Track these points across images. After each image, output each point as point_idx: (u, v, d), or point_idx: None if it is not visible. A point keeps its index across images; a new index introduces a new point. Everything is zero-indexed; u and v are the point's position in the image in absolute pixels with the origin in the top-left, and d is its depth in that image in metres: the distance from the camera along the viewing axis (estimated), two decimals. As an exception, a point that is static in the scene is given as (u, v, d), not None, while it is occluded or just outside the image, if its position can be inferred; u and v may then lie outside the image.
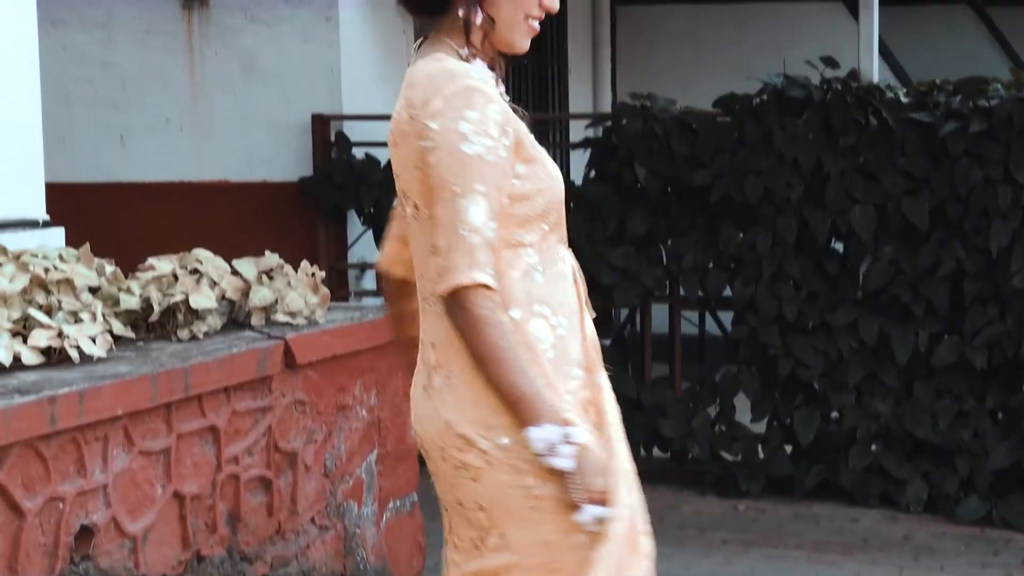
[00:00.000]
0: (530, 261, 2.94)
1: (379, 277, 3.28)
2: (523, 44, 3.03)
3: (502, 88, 3.03)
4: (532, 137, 2.99)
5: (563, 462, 2.82)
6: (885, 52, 9.50)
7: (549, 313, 2.93)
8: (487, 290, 2.82)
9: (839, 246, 7.12)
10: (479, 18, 2.96)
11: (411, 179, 2.92)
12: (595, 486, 2.84)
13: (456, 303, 2.83)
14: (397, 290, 3.21)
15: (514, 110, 2.98)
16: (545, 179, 2.95)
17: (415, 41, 3.05)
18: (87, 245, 4.60)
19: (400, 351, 3.28)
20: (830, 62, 7.12)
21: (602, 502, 2.85)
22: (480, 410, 2.87)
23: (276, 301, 4.70)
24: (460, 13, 2.95)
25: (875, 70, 7.59)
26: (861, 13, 7.67)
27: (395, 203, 3.15)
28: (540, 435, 2.82)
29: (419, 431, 2.99)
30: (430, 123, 2.86)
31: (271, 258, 4.80)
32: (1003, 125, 6.74)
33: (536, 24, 3.04)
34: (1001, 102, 6.78)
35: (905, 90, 7.19)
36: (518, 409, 2.82)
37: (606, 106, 9.87)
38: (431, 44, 2.99)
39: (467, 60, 2.96)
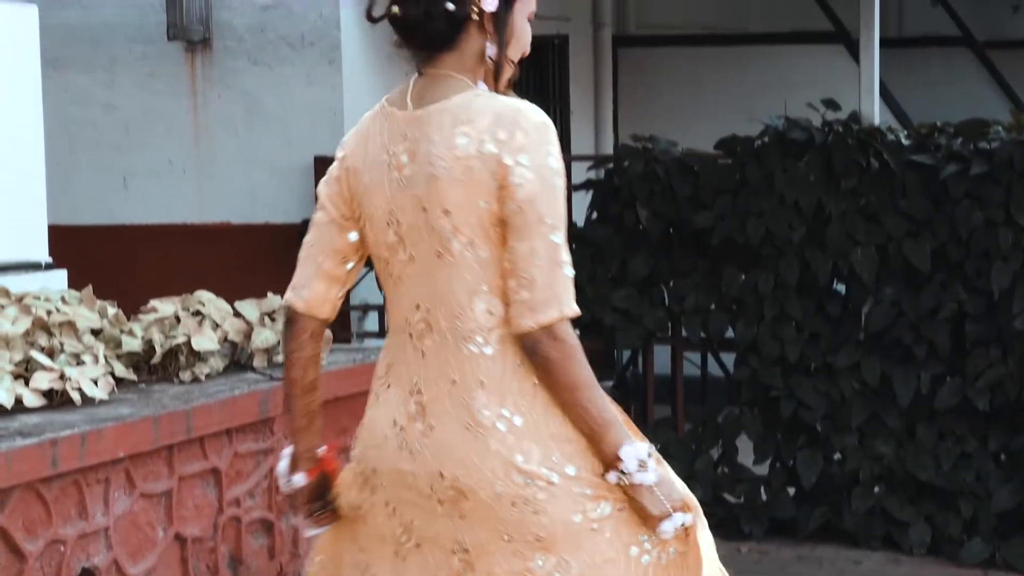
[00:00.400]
0: None
1: (291, 320, 3.14)
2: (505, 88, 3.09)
3: None
4: None
5: (652, 476, 2.97)
6: (886, 94, 9.52)
7: None
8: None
9: (841, 288, 7.12)
10: (494, 54, 3.00)
11: (470, 214, 2.92)
12: (677, 494, 3.01)
13: (553, 334, 2.89)
14: (314, 332, 3.14)
15: None
16: None
17: (432, 78, 3.01)
18: (89, 287, 4.61)
19: (302, 397, 3.17)
20: (831, 104, 7.14)
21: (683, 509, 3.00)
22: (544, 443, 2.93)
23: (278, 343, 4.70)
24: (491, 55, 2.98)
25: (876, 112, 7.60)
26: (862, 56, 7.68)
27: (311, 241, 3.13)
28: (633, 452, 2.96)
29: (458, 474, 2.93)
30: (519, 158, 2.90)
31: (273, 300, 4.81)
32: (1004, 167, 6.75)
33: None
34: (1002, 144, 6.79)
35: (906, 132, 7.21)
36: (610, 431, 2.95)
37: (608, 148, 9.89)
38: (446, 80, 2.99)
39: None
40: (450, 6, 2.93)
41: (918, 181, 6.88)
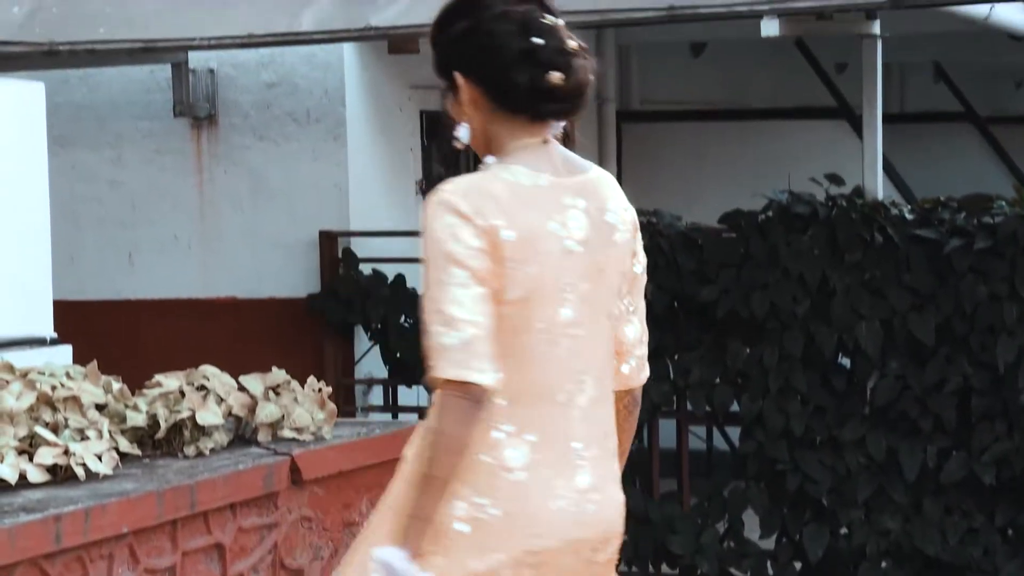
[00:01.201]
0: None
1: (480, 402, 2.85)
2: None
3: None
4: None
5: None
6: (889, 169, 9.56)
7: None
8: None
9: (846, 361, 7.11)
10: None
11: (627, 274, 3.15)
12: None
13: (640, 394, 3.19)
14: None
15: None
16: None
17: (557, 147, 3.05)
18: (94, 362, 4.61)
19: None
20: (835, 179, 7.17)
21: None
22: None
23: (283, 417, 4.70)
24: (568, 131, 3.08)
25: (879, 187, 7.64)
26: (865, 131, 7.73)
27: (482, 319, 2.86)
28: None
29: (615, 526, 3.07)
30: (634, 223, 3.17)
31: (278, 374, 4.81)
32: (1008, 242, 6.76)
33: None
34: (1005, 219, 6.81)
35: (910, 207, 7.23)
36: None
37: (612, 223, 9.89)
38: (561, 149, 3.06)
39: None
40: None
41: (922, 255, 6.89)
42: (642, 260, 3.18)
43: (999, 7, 7.85)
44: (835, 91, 10.42)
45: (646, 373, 3.20)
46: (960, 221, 6.88)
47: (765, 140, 10.41)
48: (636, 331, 3.15)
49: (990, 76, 12.66)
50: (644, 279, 3.20)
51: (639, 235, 3.18)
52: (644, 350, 3.17)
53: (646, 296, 7.55)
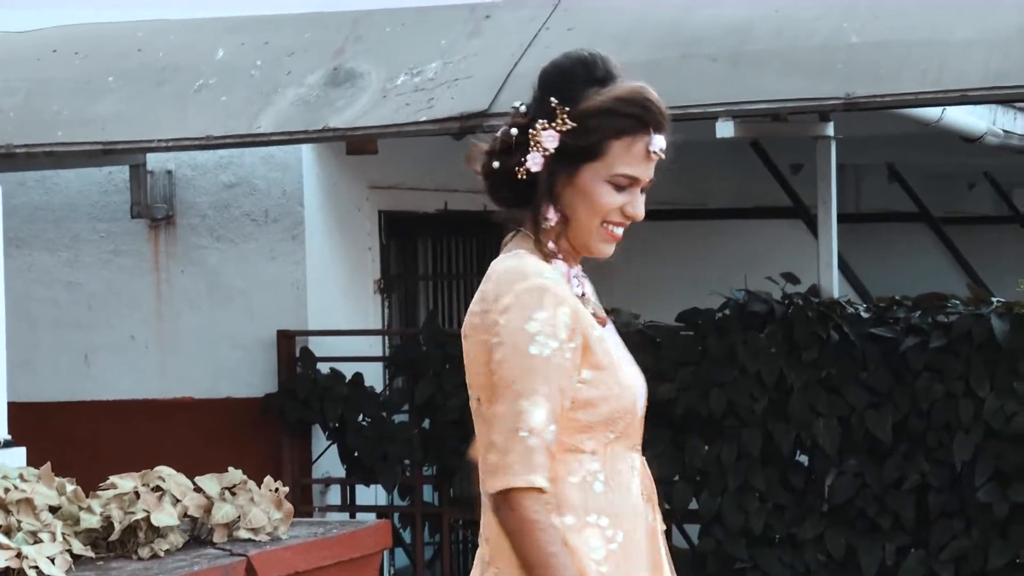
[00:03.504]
0: (590, 468, 2.90)
1: None
2: (601, 249, 2.98)
3: (585, 289, 3.00)
4: (610, 341, 2.95)
5: None
6: (845, 268, 9.62)
7: (607, 525, 2.89)
8: (540, 493, 2.78)
9: (804, 459, 7.12)
10: (551, 215, 2.93)
11: (477, 373, 2.85)
12: None
13: (507, 504, 2.77)
14: None
15: (594, 314, 2.97)
16: (613, 387, 2.92)
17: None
18: (48, 465, 4.58)
19: None
20: (790, 278, 7.22)
21: None
22: None
23: (239, 517, 4.67)
24: (535, 209, 2.92)
25: (835, 286, 7.68)
26: (820, 230, 7.78)
27: None
28: None
29: None
30: (499, 319, 2.81)
31: (234, 474, 4.79)
32: (962, 340, 6.81)
33: (618, 231, 2.97)
34: (960, 318, 6.86)
35: (865, 306, 7.28)
36: None
37: (570, 322, 9.90)
38: (518, 239, 2.95)
39: (549, 258, 2.92)
40: None
41: (878, 353, 6.93)
42: (497, 358, 2.83)
43: (951, 110, 7.95)
44: (791, 191, 10.49)
45: (489, 483, 2.80)
46: (915, 320, 6.93)
47: (722, 239, 10.47)
48: (489, 435, 2.83)
49: (943, 177, 12.80)
50: (498, 376, 2.82)
51: (499, 332, 2.82)
52: (494, 458, 2.79)
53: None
